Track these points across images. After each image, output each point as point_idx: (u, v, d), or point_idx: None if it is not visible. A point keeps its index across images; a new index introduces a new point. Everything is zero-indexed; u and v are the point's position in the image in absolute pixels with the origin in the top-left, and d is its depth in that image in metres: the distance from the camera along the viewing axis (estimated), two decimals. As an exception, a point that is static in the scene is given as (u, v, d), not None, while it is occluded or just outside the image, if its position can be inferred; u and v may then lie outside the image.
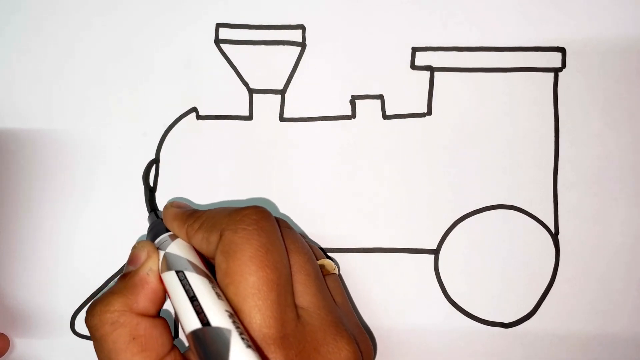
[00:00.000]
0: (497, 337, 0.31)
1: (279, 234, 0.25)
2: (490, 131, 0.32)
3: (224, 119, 0.32)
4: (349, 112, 0.32)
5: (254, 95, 0.33)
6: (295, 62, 0.33)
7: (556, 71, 0.32)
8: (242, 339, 0.21)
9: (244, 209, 0.25)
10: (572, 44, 0.32)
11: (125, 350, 0.23)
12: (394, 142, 0.32)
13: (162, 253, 0.26)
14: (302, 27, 0.33)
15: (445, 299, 0.31)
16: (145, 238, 0.30)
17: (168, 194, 0.32)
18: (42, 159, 0.33)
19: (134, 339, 0.23)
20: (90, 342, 0.31)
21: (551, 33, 0.32)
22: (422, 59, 0.32)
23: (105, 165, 0.32)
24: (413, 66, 0.32)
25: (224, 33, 0.33)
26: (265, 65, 0.33)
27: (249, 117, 0.33)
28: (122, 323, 0.23)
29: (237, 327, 0.22)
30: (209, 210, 0.26)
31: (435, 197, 0.32)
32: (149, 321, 0.24)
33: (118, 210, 0.32)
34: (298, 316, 0.24)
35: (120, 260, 0.32)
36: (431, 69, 0.32)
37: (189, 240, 0.26)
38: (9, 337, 0.32)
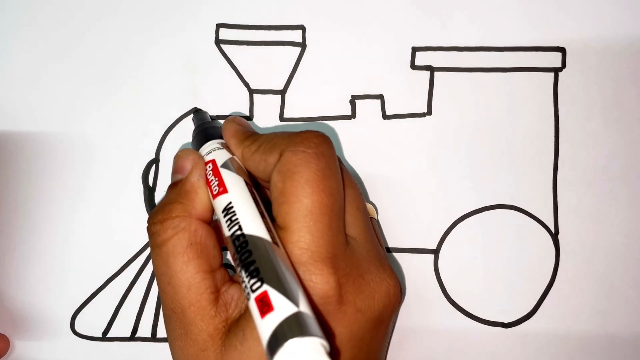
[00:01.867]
0: (497, 337, 0.31)
1: (337, 161, 0.25)
2: (490, 131, 0.32)
3: (224, 119, 0.32)
4: (349, 112, 0.32)
5: (254, 95, 0.33)
6: (295, 62, 0.33)
7: (556, 71, 0.32)
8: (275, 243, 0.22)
9: (304, 132, 0.24)
10: (572, 44, 0.32)
11: (183, 254, 0.24)
12: (394, 142, 0.32)
13: (209, 158, 0.26)
14: (302, 28, 0.33)
15: (445, 299, 0.31)
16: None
17: (168, 194, 0.32)
18: (42, 160, 0.33)
19: (191, 244, 0.24)
20: (90, 342, 0.32)
21: (551, 33, 0.32)
22: (422, 59, 0.32)
23: (105, 166, 0.32)
24: (413, 66, 0.32)
25: (224, 33, 0.33)
26: (266, 66, 0.33)
27: (249, 117, 0.33)
28: (183, 227, 0.24)
29: (272, 237, 0.22)
30: (267, 133, 0.26)
31: (435, 197, 0.32)
32: (205, 228, 0.25)
33: (118, 210, 0.32)
34: (347, 242, 0.24)
35: (120, 260, 0.32)
36: (431, 69, 0.32)
37: (243, 162, 0.26)
38: (8, 337, 0.32)
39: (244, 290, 0.22)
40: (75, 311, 0.32)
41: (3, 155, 0.33)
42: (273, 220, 0.24)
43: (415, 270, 0.31)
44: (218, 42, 0.33)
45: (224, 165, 0.25)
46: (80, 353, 0.32)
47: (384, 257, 0.26)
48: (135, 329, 0.32)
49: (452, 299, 0.31)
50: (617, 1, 0.32)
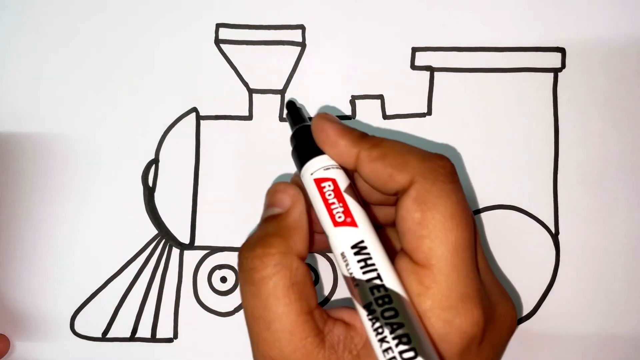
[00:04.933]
0: (497, 337, 0.31)
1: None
2: (490, 131, 0.32)
3: (224, 119, 0.32)
4: (349, 112, 0.32)
5: (254, 95, 0.33)
6: (295, 62, 0.33)
7: (556, 71, 0.32)
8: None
9: (437, 157, 0.23)
10: (572, 44, 0.32)
11: (285, 296, 0.22)
12: (394, 142, 0.32)
13: (327, 175, 0.24)
14: (302, 27, 0.33)
15: (446, 299, 0.31)
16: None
17: (167, 195, 0.32)
18: (41, 160, 0.32)
19: (293, 284, 0.22)
20: (90, 343, 0.31)
21: (551, 33, 0.32)
22: (422, 59, 0.32)
23: (105, 166, 0.32)
24: (413, 66, 0.32)
25: (224, 33, 0.33)
26: (265, 65, 0.33)
27: (249, 117, 0.32)
28: (285, 266, 0.22)
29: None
30: (389, 140, 0.24)
31: (435, 197, 0.32)
32: (305, 268, 0.23)
33: (117, 210, 0.32)
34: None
35: (120, 260, 0.32)
36: (431, 69, 0.32)
37: (359, 166, 0.24)
38: (9, 338, 0.32)
39: (380, 347, 0.21)
40: (75, 311, 0.32)
41: (3, 156, 0.33)
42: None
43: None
44: (218, 42, 0.33)
45: (347, 191, 0.23)
46: (80, 353, 0.32)
47: (501, 286, 0.25)
48: (135, 329, 0.32)
49: (452, 299, 0.31)
50: (617, 1, 0.32)
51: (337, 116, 0.32)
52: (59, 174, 0.32)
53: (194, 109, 0.33)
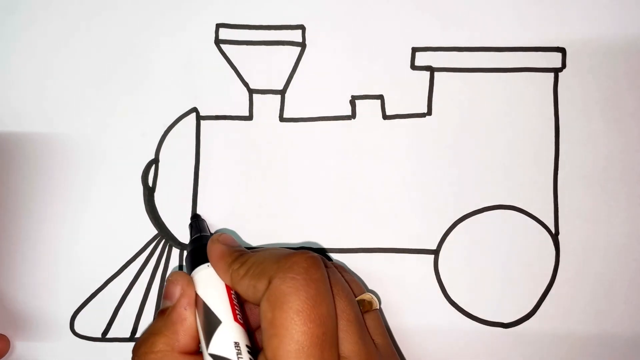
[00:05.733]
0: (497, 337, 0.31)
1: (328, 283, 0.24)
2: (490, 131, 0.32)
3: (224, 119, 0.32)
4: (349, 112, 0.32)
5: (254, 95, 0.33)
6: (295, 62, 0.33)
7: (556, 71, 0.32)
8: None
9: (293, 255, 0.24)
10: (572, 44, 0.32)
11: None
12: (394, 142, 0.32)
13: (199, 279, 0.26)
14: (302, 27, 0.33)
15: (445, 299, 0.31)
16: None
17: (167, 195, 0.32)
18: (41, 160, 0.32)
19: None
20: (90, 343, 0.32)
21: (551, 33, 0.32)
22: (422, 59, 0.32)
23: (105, 166, 0.32)
24: (413, 66, 0.32)
25: (224, 33, 0.33)
26: (265, 66, 0.33)
27: (249, 117, 0.32)
28: None
29: None
30: (255, 254, 0.25)
31: (435, 197, 0.32)
32: (190, 358, 0.24)
33: (117, 210, 0.32)
34: None
35: (119, 260, 0.32)
36: (431, 69, 0.32)
37: (233, 286, 0.25)
38: (9, 338, 0.32)
39: None
40: (75, 311, 0.32)
41: (3, 155, 0.33)
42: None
43: (415, 270, 0.31)
44: (218, 42, 0.33)
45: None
46: (80, 353, 0.31)
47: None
48: (135, 330, 0.32)
49: (452, 299, 0.31)
50: (617, 1, 0.32)
51: (337, 116, 0.32)
52: (59, 173, 0.32)
53: (194, 109, 0.33)
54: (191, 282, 0.26)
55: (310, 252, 0.24)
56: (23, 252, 0.32)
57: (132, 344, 0.31)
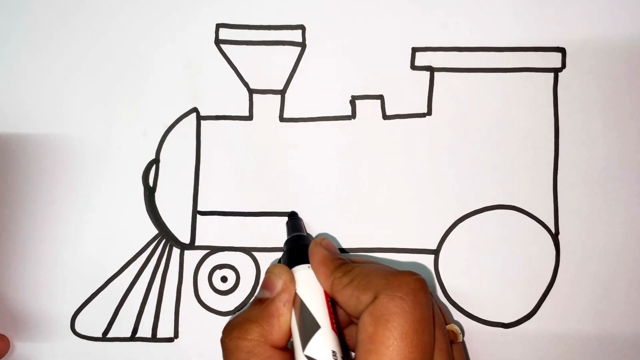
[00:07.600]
0: (497, 337, 0.31)
1: (431, 309, 0.24)
2: (490, 131, 0.32)
3: (224, 119, 0.32)
4: (349, 112, 0.32)
5: (254, 95, 0.33)
6: (295, 62, 0.33)
7: (556, 71, 0.32)
8: None
9: (402, 273, 0.24)
10: (572, 44, 0.32)
11: None
12: (394, 142, 0.32)
13: (299, 278, 0.26)
14: (302, 27, 0.33)
15: (445, 299, 0.31)
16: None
17: (168, 194, 0.32)
18: (42, 160, 0.33)
19: None
20: (90, 342, 0.32)
21: (551, 33, 0.32)
22: (422, 59, 0.32)
23: (105, 166, 0.32)
24: (413, 66, 0.32)
25: (224, 33, 0.33)
26: (265, 66, 0.33)
27: (249, 117, 0.33)
28: (257, 354, 0.24)
29: None
30: (359, 265, 0.25)
31: (435, 197, 0.32)
32: (279, 355, 0.24)
33: (118, 210, 0.32)
34: None
35: (120, 260, 0.32)
36: (431, 69, 0.32)
37: (332, 293, 0.25)
38: (9, 338, 0.32)
39: None
40: (76, 311, 0.32)
41: (3, 155, 0.33)
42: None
43: (415, 270, 0.31)
44: (218, 42, 0.33)
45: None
46: (81, 353, 0.32)
47: None
48: (135, 329, 0.32)
49: (452, 299, 0.31)
50: (617, 1, 0.32)
51: (337, 116, 0.32)
52: (60, 174, 0.32)
53: (195, 109, 0.33)
54: (294, 280, 0.26)
55: (417, 273, 0.24)
56: (24, 252, 0.32)
57: (133, 344, 0.31)
